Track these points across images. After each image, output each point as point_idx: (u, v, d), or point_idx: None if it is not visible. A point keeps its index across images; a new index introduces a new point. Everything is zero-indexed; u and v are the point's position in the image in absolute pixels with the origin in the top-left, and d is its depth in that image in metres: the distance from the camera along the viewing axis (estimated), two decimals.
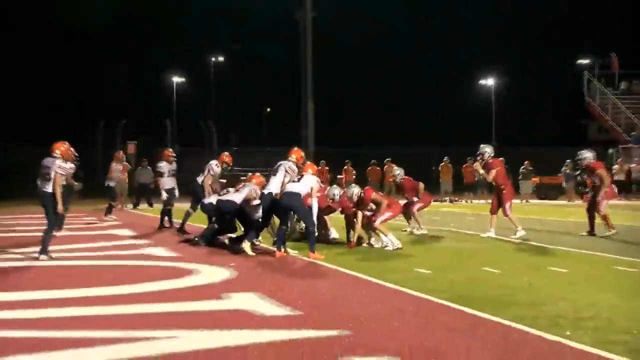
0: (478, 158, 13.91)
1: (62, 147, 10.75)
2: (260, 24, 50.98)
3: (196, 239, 12.30)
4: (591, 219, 13.69)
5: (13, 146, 39.34)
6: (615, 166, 29.81)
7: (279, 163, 11.57)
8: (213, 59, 53.19)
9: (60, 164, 10.52)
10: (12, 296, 7.53)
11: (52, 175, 10.34)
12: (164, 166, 15.62)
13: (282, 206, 10.91)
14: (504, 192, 13.42)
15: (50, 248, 10.49)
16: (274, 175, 11.38)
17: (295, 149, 12.01)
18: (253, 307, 6.75)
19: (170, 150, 16.97)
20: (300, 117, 27.86)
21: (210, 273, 8.97)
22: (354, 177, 28.49)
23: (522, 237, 12.90)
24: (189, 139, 46.20)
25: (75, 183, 13.84)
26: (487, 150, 13.74)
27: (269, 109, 63.82)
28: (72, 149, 11.10)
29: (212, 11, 56.23)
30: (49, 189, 10.35)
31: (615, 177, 28.91)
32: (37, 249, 10.53)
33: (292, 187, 10.82)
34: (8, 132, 41.12)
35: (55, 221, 10.92)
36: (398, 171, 14.77)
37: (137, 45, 54.53)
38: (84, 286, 8.03)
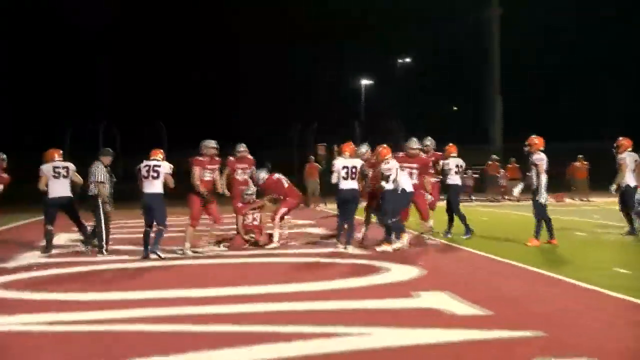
0: None
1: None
2: (446, 21, 50.44)
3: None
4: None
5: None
6: None
7: (395, 165, 11.50)
8: (399, 60, 53.66)
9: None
10: (220, 292, 7.83)
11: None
12: None
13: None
14: None
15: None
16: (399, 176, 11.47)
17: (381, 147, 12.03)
18: (443, 306, 6.78)
19: None
20: (486, 113, 27.40)
21: (400, 271, 9.05)
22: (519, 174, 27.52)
23: None
24: (377, 138, 46.60)
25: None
26: None
27: (455, 108, 63.10)
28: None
29: (395, 11, 56.29)
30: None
31: None
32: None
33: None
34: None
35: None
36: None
37: (326, 49, 55.79)
38: (280, 282, 8.38)
